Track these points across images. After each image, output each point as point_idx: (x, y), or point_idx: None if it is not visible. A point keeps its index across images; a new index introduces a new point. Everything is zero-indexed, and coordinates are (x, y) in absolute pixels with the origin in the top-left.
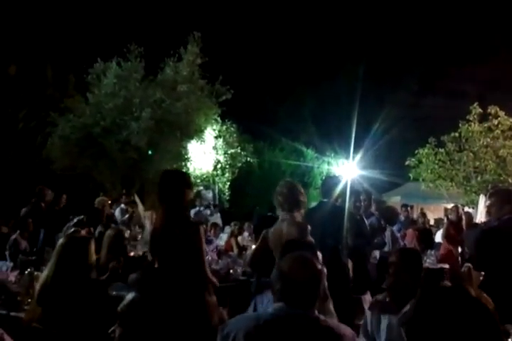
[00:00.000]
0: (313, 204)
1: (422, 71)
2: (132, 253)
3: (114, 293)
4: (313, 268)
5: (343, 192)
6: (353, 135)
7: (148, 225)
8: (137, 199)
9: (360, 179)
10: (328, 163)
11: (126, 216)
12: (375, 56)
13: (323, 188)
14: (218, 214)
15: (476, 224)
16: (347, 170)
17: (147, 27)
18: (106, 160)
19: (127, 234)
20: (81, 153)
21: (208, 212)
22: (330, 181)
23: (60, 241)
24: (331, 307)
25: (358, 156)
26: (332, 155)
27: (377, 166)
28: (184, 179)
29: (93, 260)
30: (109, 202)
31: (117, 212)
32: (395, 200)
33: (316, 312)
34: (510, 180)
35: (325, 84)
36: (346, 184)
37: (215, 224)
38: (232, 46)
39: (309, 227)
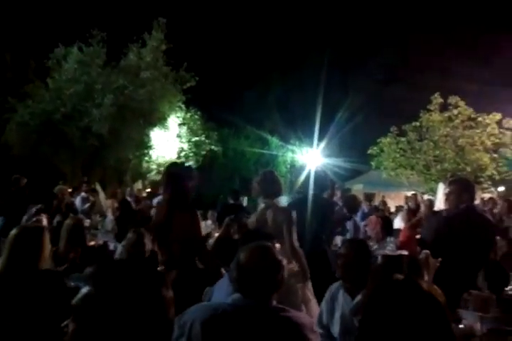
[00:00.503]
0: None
1: (386, 60)
2: (93, 243)
3: (72, 284)
4: (272, 258)
5: (307, 181)
6: (318, 123)
7: (109, 214)
8: (98, 188)
9: (324, 167)
10: (293, 151)
11: (87, 205)
12: (341, 45)
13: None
14: None
15: (436, 212)
16: (311, 158)
17: (110, 11)
18: (66, 147)
19: (87, 223)
20: (40, 140)
21: None
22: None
23: (12, 231)
24: (309, 293)
25: (322, 144)
26: (296, 143)
27: (340, 154)
28: (188, 171)
29: (47, 250)
30: (70, 190)
31: (78, 201)
32: (357, 188)
33: (275, 302)
34: (468, 169)
35: (290, 72)
36: (310, 172)
37: None
38: (198, 33)
39: (294, 214)
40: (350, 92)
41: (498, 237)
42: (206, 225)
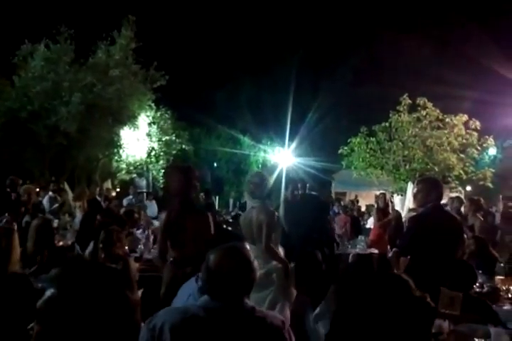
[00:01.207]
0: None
1: (356, 61)
2: (61, 243)
3: (40, 285)
4: (242, 259)
5: (279, 180)
6: (289, 123)
7: (78, 214)
8: (67, 187)
9: (295, 167)
10: (265, 151)
11: (56, 205)
12: (311, 46)
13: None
14: (153, 202)
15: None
16: (283, 158)
17: (78, 8)
18: (33, 146)
19: (56, 223)
20: (7, 139)
21: (143, 199)
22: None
23: None
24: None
25: (294, 144)
26: (268, 143)
27: (312, 154)
28: (193, 172)
29: (17, 252)
30: (37, 189)
31: (45, 201)
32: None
33: (248, 302)
34: (436, 169)
35: (262, 72)
36: (282, 172)
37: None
38: (168, 31)
39: (277, 214)
40: (321, 93)
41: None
42: None
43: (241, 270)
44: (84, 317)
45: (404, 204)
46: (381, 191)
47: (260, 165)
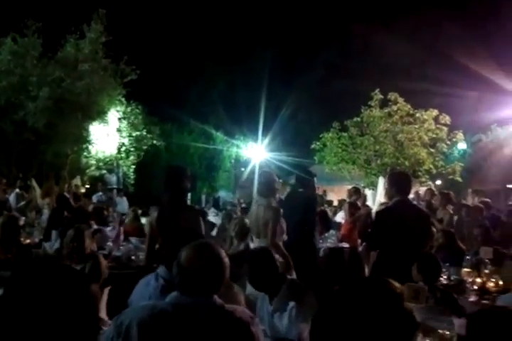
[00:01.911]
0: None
1: (329, 57)
2: (28, 241)
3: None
4: (211, 256)
5: (252, 176)
6: (262, 118)
7: (46, 211)
8: (34, 184)
9: (268, 162)
10: (237, 146)
11: (22, 202)
12: (284, 41)
13: (300, 181)
14: (124, 198)
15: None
16: (256, 153)
17: (47, 1)
18: (0, 142)
19: (23, 220)
20: None
21: (113, 196)
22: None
23: None
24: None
25: (267, 139)
26: (241, 138)
27: (284, 149)
28: (185, 172)
29: None
30: (4, 186)
31: (12, 198)
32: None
33: (216, 297)
34: (407, 163)
35: (235, 67)
36: (255, 167)
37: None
38: (139, 25)
39: (281, 211)
40: (294, 88)
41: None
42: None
43: (212, 267)
44: (34, 318)
45: (375, 198)
46: (353, 186)
47: (233, 161)
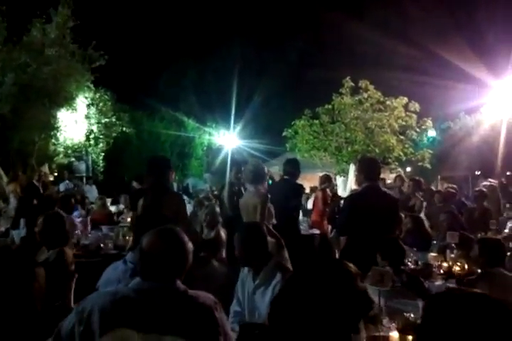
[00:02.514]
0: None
1: (300, 44)
2: None
3: None
4: (173, 241)
5: (224, 163)
6: (234, 106)
7: (12, 199)
8: (1, 172)
9: (240, 149)
10: (210, 134)
11: None
12: (256, 28)
13: (286, 169)
14: (94, 187)
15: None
16: (228, 140)
17: None
18: None
19: None
20: None
21: (82, 184)
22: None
23: None
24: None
25: (239, 127)
26: (213, 125)
27: (257, 137)
28: (168, 162)
29: None
30: None
31: None
32: (274, 170)
33: (179, 283)
34: (377, 150)
35: (207, 53)
36: (227, 154)
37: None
38: (107, 9)
39: (269, 196)
40: (266, 75)
41: (402, 215)
42: (118, 209)
43: (174, 252)
44: None
45: (346, 185)
46: (324, 173)
47: (205, 148)
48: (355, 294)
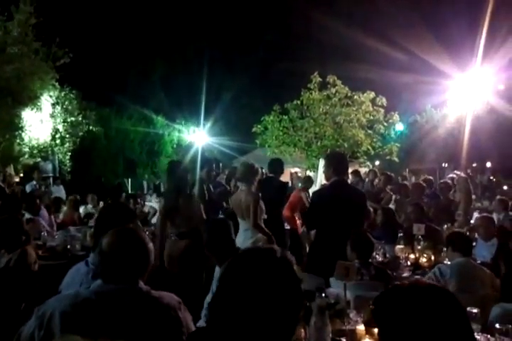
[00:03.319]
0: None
1: (269, 39)
2: None
3: None
4: (134, 241)
5: (194, 160)
6: (203, 102)
7: None
8: None
9: (210, 146)
10: (179, 131)
11: None
12: (224, 24)
13: (271, 168)
14: (61, 187)
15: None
16: (198, 137)
17: None
18: None
19: None
20: None
21: (49, 184)
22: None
23: None
24: None
25: (209, 124)
26: (183, 122)
27: (227, 133)
28: (185, 167)
29: None
30: None
31: None
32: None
33: (141, 284)
34: (346, 145)
35: (175, 49)
36: (197, 151)
37: (57, 198)
38: (71, 5)
39: (260, 195)
40: (235, 71)
41: (371, 208)
42: (86, 209)
43: (134, 252)
44: None
45: (316, 180)
46: (295, 168)
47: (175, 145)
48: (290, 282)
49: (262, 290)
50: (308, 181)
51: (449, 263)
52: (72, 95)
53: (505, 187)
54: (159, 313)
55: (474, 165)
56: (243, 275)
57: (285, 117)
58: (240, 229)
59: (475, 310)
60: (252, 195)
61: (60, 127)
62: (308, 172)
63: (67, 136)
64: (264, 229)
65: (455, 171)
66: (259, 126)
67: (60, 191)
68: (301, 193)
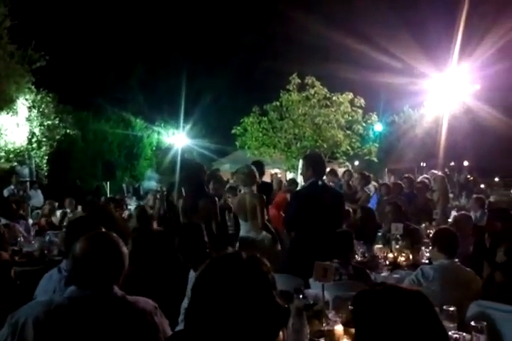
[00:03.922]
0: None
1: (250, 41)
2: None
3: None
4: (107, 246)
5: (174, 163)
6: (183, 104)
7: None
8: None
9: (190, 148)
10: (158, 133)
11: None
12: (204, 25)
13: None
14: (39, 191)
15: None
16: (177, 139)
17: None
18: None
19: None
20: None
21: (27, 189)
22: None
23: None
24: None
25: (188, 126)
26: (162, 124)
27: (206, 135)
28: (203, 168)
29: None
30: None
31: None
32: (224, 168)
33: (116, 289)
34: (325, 145)
35: (154, 51)
36: (177, 154)
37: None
38: (47, 7)
39: (264, 197)
40: (215, 73)
41: (350, 209)
42: (64, 213)
43: (107, 257)
44: None
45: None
46: (276, 169)
47: (154, 148)
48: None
49: (233, 293)
50: (293, 184)
51: (427, 261)
52: (48, 98)
53: (482, 186)
54: (135, 319)
55: (452, 164)
56: (213, 281)
57: (264, 119)
58: (242, 230)
59: (452, 309)
60: (257, 197)
61: (37, 131)
62: (288, 173)
63: (44, 139)
64: (270, 228)
65: (432, 170)
66: (238, 128)
67: (37, 196)
68: (286, 194)
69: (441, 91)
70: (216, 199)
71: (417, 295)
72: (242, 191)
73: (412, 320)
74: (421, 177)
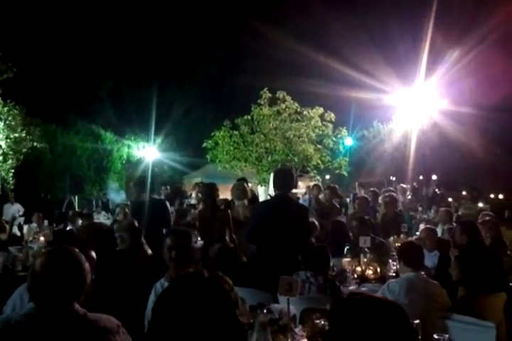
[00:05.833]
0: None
1: (221, 54)
2: None
3: None
4: (67, 262)
5: (144, 177)
6: (153, 117)
7: None
8: None
9: (161, 162)
10: (129, 146)
11: None
12: (174, 38)
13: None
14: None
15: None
16: (148, 153)
17: None
18: None
19: None
20: None
21: None
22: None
23: None
24: None
25: (159, 139)
26: (132, 138)
27: (177, 149)
28: (215, 187)
29: None
30: None
31: None
32: (196, 181)
33: (77, 306)
34: (296, 159)
35: (124, 63)
36: (148, 167)
37: None
38: (13, 19)
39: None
40: (186, 86)
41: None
42: (30, 228)
43: (67, 273)
44: None
45: (267, 194)
46: (249, 184)
47: (124, 161)
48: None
49: (194, 311)
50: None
51: (394, 274)
52: (15, 110)
53: (449, 199)
54: (95, 337)
55: (420, 178)
56: (175, 300)
57: (236, 132)
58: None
59: (416, 321)
60: (249, 209)
61: (3, 143)
62: (259, 187)
63: (11, 152)
64: None
65: (401, 184)
66: (209, 142)
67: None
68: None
69: (410, 106)
70: (228, 211)
71: (395, 306)
72: (236, 204)
73: (389, 331)
74: (383, 189)
